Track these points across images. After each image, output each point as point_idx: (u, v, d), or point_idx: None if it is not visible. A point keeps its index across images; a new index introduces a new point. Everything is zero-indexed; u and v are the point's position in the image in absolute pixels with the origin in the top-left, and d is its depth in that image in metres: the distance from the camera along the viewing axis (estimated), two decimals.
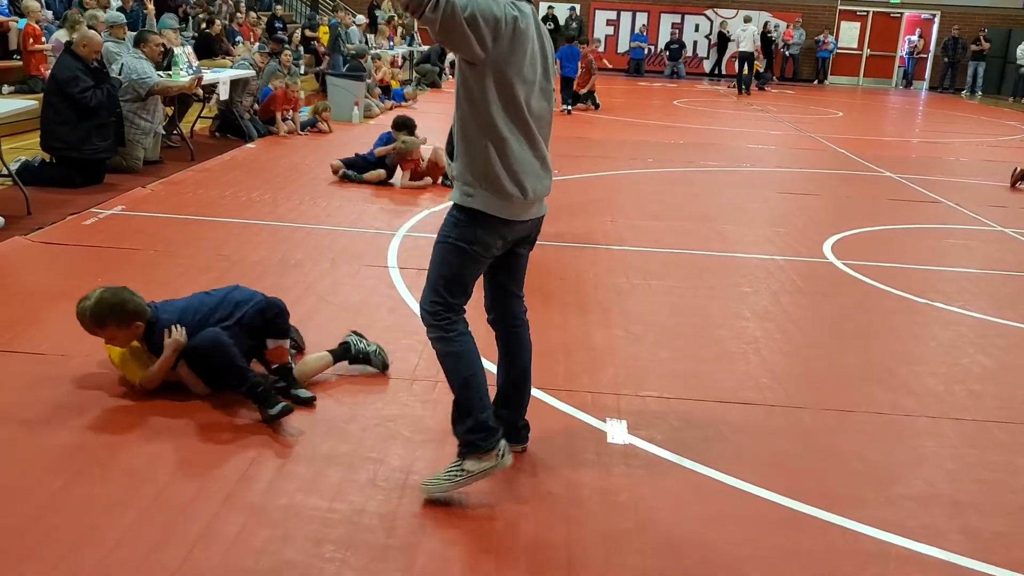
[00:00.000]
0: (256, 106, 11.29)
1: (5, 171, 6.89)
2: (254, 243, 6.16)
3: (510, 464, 3.11)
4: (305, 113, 11.88)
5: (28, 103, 7.32)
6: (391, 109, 14.46)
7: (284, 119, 11.16)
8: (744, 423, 3.90)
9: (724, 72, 27.15)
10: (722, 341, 4.86)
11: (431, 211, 7.49)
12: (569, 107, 15.51)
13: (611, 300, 5.43)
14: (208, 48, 15.06)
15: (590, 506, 3.16)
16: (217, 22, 16.36)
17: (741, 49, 21.29)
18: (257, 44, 13.85)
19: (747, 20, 22.17)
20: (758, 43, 22.15)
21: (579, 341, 4.73)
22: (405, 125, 8.76)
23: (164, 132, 9.21)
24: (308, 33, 18.66)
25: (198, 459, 3.30)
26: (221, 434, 3.50)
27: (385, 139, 8.74)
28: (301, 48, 17.18)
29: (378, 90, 14.62)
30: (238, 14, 18.22)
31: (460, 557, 2.82)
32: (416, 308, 4.99)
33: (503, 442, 3.07)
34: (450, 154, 2.96)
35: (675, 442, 3.64)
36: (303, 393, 3.76)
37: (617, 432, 3.70)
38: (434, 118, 13.92)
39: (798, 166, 11.42)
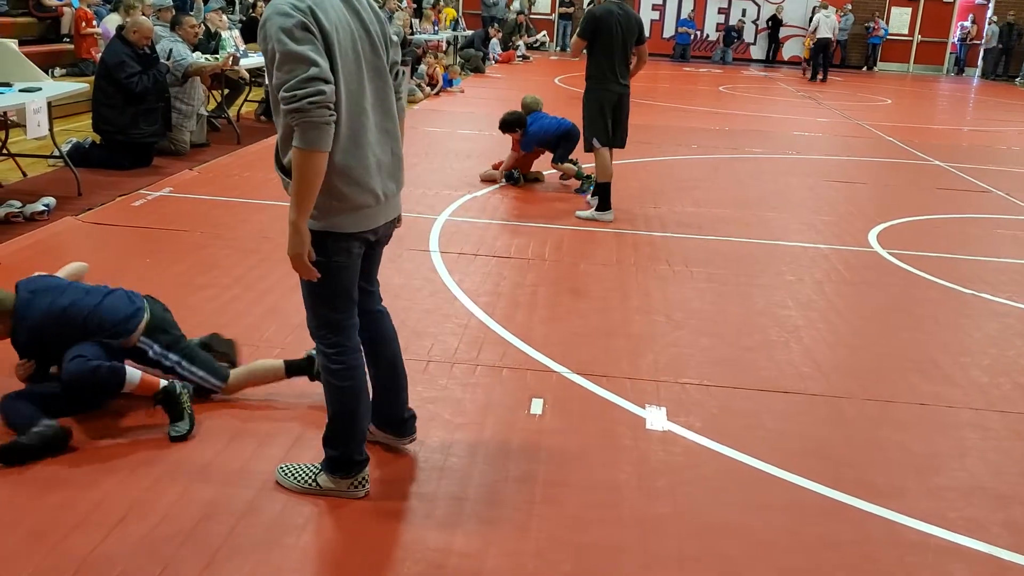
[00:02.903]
0: None
1: (57, 152, 7.04)
2: None
3: (362, 496, 2.98)
4: None
5: (80, 86, 7.45)
6: (437, 95, 14.50)
7: None
8: (785, 412, 3.88)
9: (777, 58, 26.74)
10: (764, 329, 4.83)
11: (473, 195, 7.50)
12: None
13: (652, 286, 5.41)
14: (255, 31, 15.17)
15: (628, 491, 3.16)
16: (261, 5, 16.47)
17: (819, 36, 20.90)
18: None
19: (823, 6, 21.74)
20: (836, 30, 21.66)
21: (619, 327, 4.72)
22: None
23: (209, 115, 9.32)
24: None
25: (242, 439, 3.36)
26: (257, 414, 3.55)
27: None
28: None
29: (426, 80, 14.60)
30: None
31: (498, 539, 2.85)
32: (457, 292, 5.05)
33: (364, 474, 2.97)
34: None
35: (715, 429, 3.63)
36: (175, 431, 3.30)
37: (656, 418, 3.70)
38: (484, 104, 13.95)
39: (845, 154, 11.26)
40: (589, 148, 6.88)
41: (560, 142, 7.89)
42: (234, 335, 4.18)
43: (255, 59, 10.03)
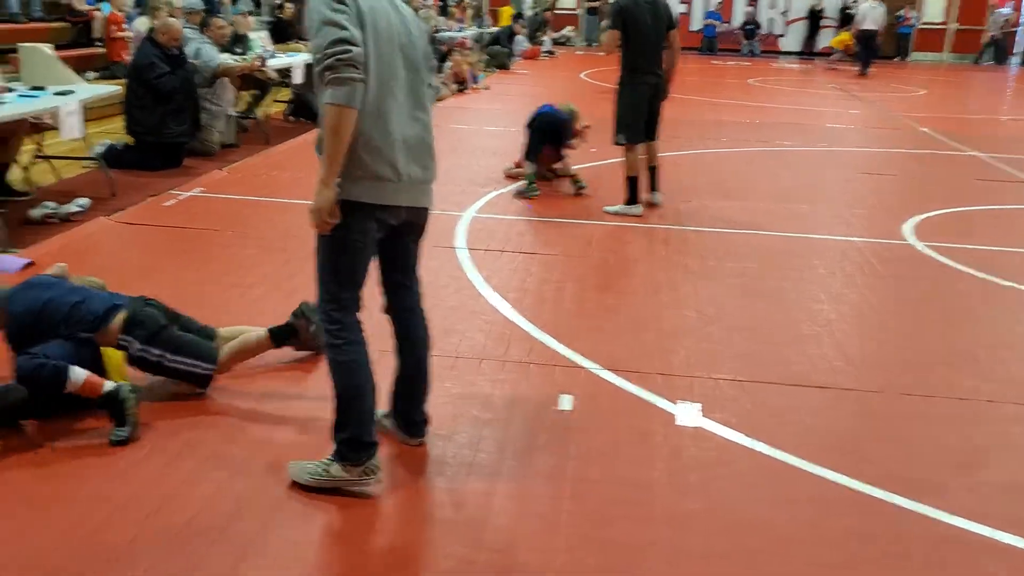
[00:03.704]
0: None
1: (91, 154, 7.12)
2: None
3: (375, 484, 2.95)
4: None
5: (112, 89, 7.54)
6: (463, 92, 14.50)
7: None
8: (818, 407, 3.82)
9: (814, 51, 26.42)
10: (796, 323, 4.77)
11: (499, 192, 7.49)
12: None
13: (683, 281, 5.36)
14: (282, 33, 15.27)
15: (658, 488, 3.13)
16: (288, 6, 16.58)
17: (865, 27, 20.52)
18: None
19: None
20: (883, 23, 21.17)
21: (649, 322, 4.68)
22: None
23: (238, 115, 9.38)
24: None
25: (274, 439, 3.37)
26: (289, 416, 3.56)
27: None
28: None
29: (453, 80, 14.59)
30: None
31: (527, 534, 2.83)
32: (484, 288, 5.04)
33: (375, 460, 2.94)
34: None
35: (747, 425, 3.59)
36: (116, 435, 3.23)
37: (688, 414, 3.66)
38: (510, 100, 13.94)
39: (878, 146, 11.11)
40: (616, 142, 6.82)
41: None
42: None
43: (283, 59, 10.08)
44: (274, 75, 9.91)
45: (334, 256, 2.83)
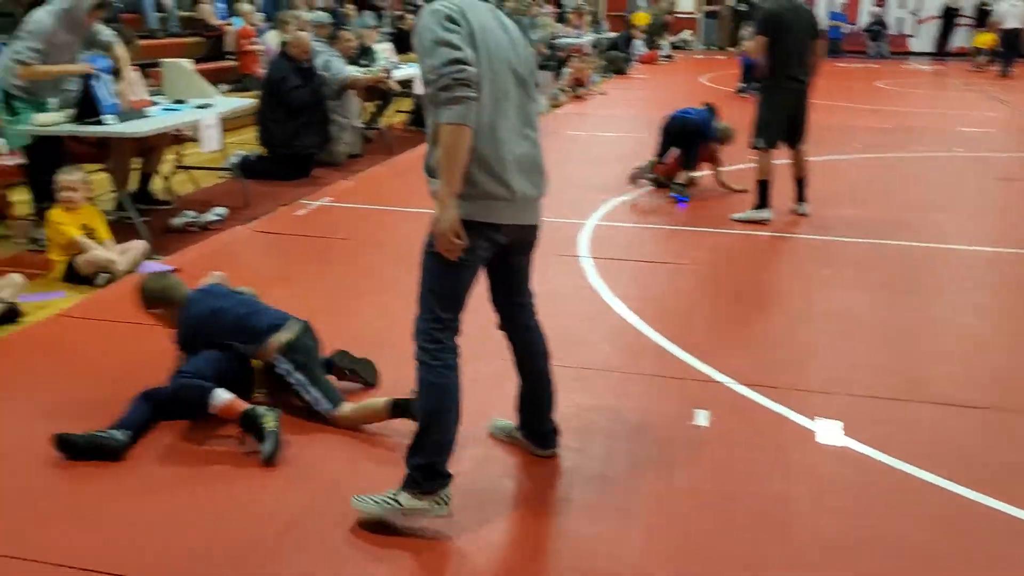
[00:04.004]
0: None
1: (227, 165, 7.41)
2: None
3: (447, 515, 2.82)
4: None
5: (248, 101, 7.82)
6: (580, 98, 14.48)
7: None
8: (964, 426, 3.63)
9: (948, 51, 25.31)
10: (938, 339, 4.55)
11: (622, 199, 7.42)
12: (746, 93, 15.14)
13: (817, 293, 5.20)
14: (403, 44, 15.57)
15: (799, 507, 3.03)
16: (409, 18, 16.88)
17: (1006, 26, 19.57)
18: None
19: None
20: None
21: (783, 336, 4.55)
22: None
23: (363, 126, 9.59)
24: None
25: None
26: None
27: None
28: None
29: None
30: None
31: (666, 552, 2.77)
32: (610, 298, 4.99)
33: (447, 491, 2.82)
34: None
35: (890, 444, 3.43)
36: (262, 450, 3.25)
37: (829, 432, 3.53)
38: (628, 105, 13.84)
39: (1018, 150, 10.54)
40: (753, 146, 6.69)
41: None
42: (393, 340, 4.26)
43: (405, 71, 10.26)
44: (396, 86, 10.10)
45: (440, 274, 2.76)
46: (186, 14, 12.92)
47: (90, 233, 5.16)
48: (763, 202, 6.69)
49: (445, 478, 2.82)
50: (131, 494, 2.99)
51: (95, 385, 3.76)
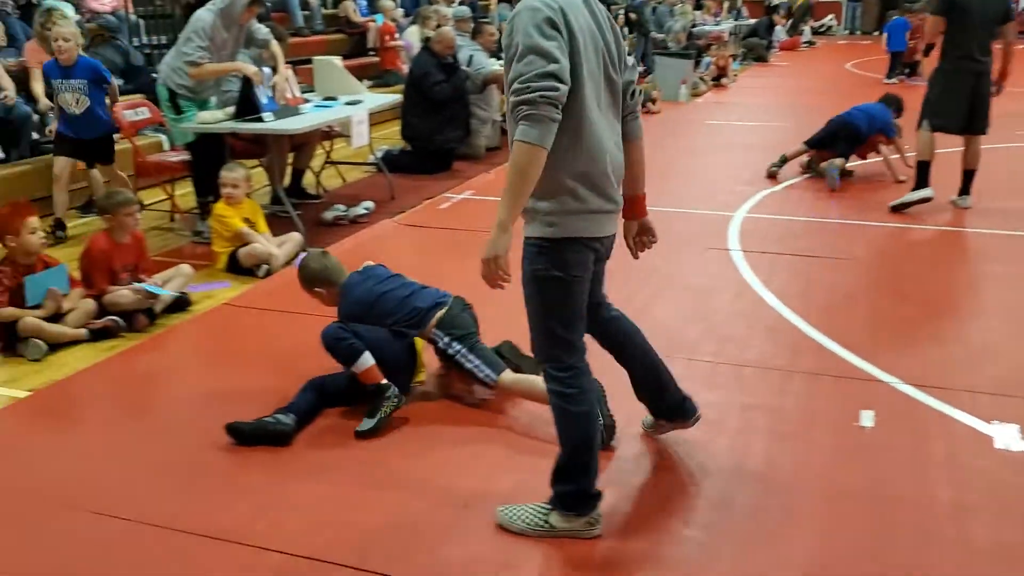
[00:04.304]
0: None
1: (372, 159, 7.58)
2: None
3: (597, 535, 2.74)
4: None
5: (394, 98, 7.96)
6: (721, 86, 14.19)
7: None
8: None
9: None
10: None
11: (771, 190, 7.21)
12: (891, 79, 14.52)
13: (986, 289, 4.92)
14: None
15: (977, 515, 2.86)
16: None
17: None
18: None
19: None
20: None
21: (952, 334, 4.33)
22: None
23: (502, 119, 9.65)
24: (632, 15, 18.74)
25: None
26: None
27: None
28: (626, 29, 17.31)
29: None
30: None
31: (833, 555, 2.66)
32: (765, 293, 4.85)
33: (598, 512, 2.74)
34: None
35: None
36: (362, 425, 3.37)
37: (1008, 437, 3.32)
38: (768, 93, 13.47)
39: None
40: (919, 127, 6.46)
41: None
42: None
43: None
44: None
45: (558, 298, 2.61)
46: (329, 12, 13.31)
47: (250, 226, 5.37)
48: (923, 182, 6.46)
49: (595, 499, 2.75)
50: (297, 475, 3.09)
51: (259, 371, 3.91)
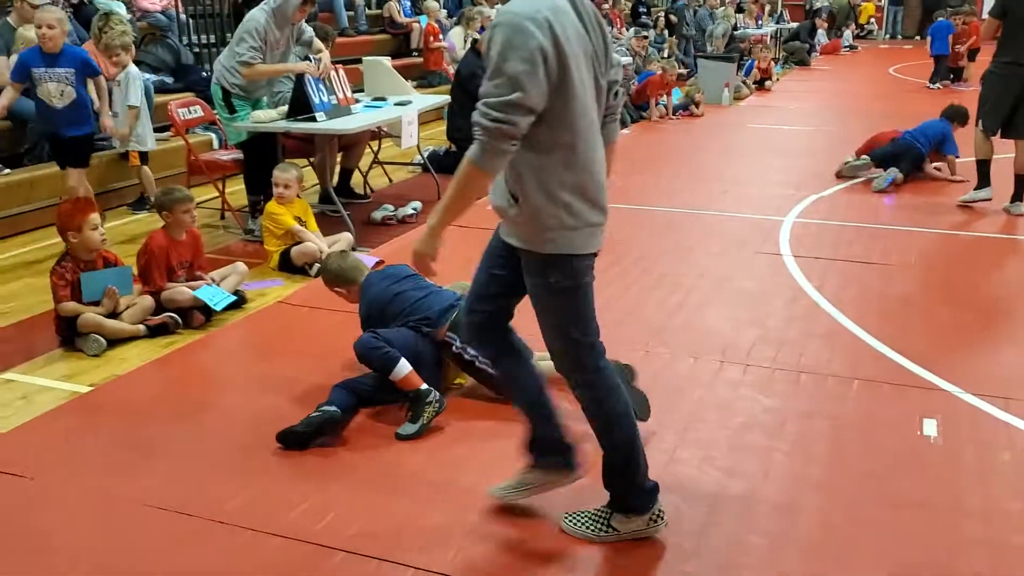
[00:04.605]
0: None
1: (419, 159, 7.60)
2: (645, 228, 6.25)
3: (662, 528, 2.71)
4: (677, 97, 11.92)
5: (443, 98, 7.96)
6: (766, 89, 14.11)
7: (657, 103, 11.24)
8: None
9: None
10: None
11: (819, 195, 7.15)
12: (935, 84, 14.37)
13: None
14: None
15: None
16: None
17: None
18: (632, 30, 14.08)
19: None
20: None
21: (1008, 341, 4.27)
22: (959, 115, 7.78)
23: None
24: (672, 17, 18.67)
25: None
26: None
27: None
28: (665, 32, 17.24)
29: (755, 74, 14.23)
30: (604, 4, 18.65)
31: (899, 565, 2.63)
32: (819, 299, 4.80)
33: (659, 505, 2.71)
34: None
35: None
36: (403, 429, 3.39)
37: None
38: (812, 97, 13.35)
39: None
40: (976, 127, 6.60)
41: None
42: None
43: None
44: None
45: (576, 306, 2.57)
46: (373, 12, 13.38)
47: (301, 225, 5.40)
48: (983, 182, 6.60)
49: (654, 492, 2.73)
50: (352, 475, 3.10)
51: (313, 368, 3.91)
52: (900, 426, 3.45)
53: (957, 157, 7.58)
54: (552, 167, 2.41)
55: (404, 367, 3.46)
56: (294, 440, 3.30)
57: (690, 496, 2.99)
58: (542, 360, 2.97)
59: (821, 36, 20.11)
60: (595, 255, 2.58)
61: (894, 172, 7.34)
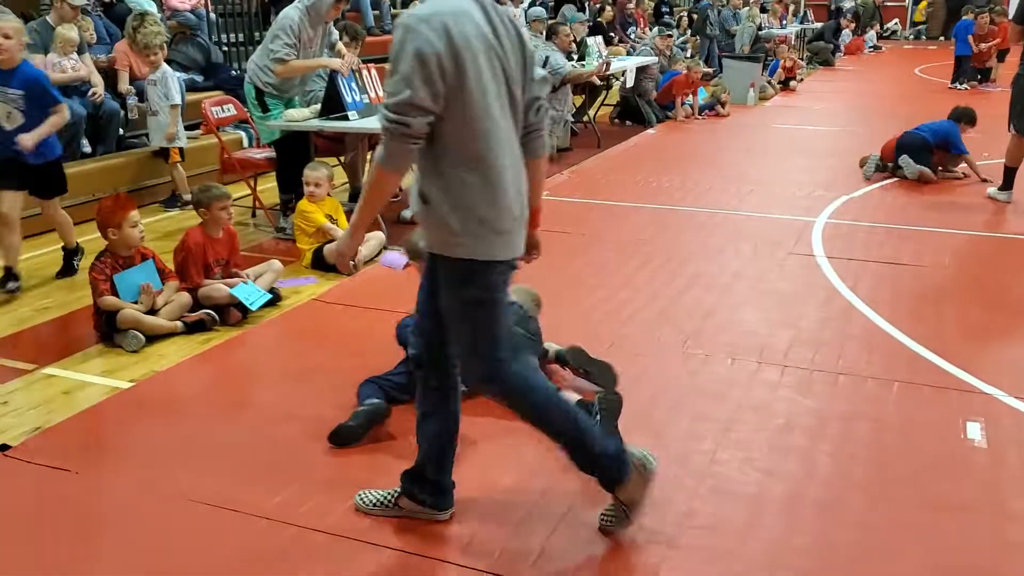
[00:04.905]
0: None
1: None
2: (673, 228, 6.23)
3: (655, 467, 2.68)
4: (703, 97, 11.89)
5: None
6: (791, 90, 14.06)
7: (683, 103, 11.22)
8: None
9: None
10: None
11: (849, 196, 7.11)
12: (963, 85, 14.26)
13: None
14: (601, 36, 15.51)
15: None
16: (609, 9, 16.82)
17: None
18: (656, 28, 14.05)
19: None
20: None
21: None
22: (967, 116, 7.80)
23: (572, 120, 9.65)
24: (694, 16, 18.59)
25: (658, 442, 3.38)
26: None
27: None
28: (688, 32, 17.17)
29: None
30: (628, 4, 18.59)
31: (941, 571, 2.61)
32: (854, 300, 4.78)
33: (633, 451, 2.66)
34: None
35: None
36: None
37: None
38: (838, 98, 13.28)
39: None
40: (1010, 130, 6.68)
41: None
42: (630, 337, 4.28)
43: (617, 64, 10.21)
44: (598, 80, 10.08)
45: (489, 320, 2.55)
46: (398, 12, 13.39)
47: (332, 223, 5.43)
48: (1007, 185, 6.74)
49: (624, 458, 2.66)
50: (393, 470, 3.11)
51: (349, 366, 3.91)
52: (942, 429, 3.43)
53: (968, 154, 7.61)
54: (457, 172, 2.43)
55: None
56: (347, 435, 3.30)
57: (732, 497, 2.98)
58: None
59: (846, 36, 20.00)
60: (510, 267, 2.56)
61: (907, 161, 7.52)
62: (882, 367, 3.96)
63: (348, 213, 5.94)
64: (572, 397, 3.28)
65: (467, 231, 2.45)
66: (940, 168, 7.72)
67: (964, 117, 7.71)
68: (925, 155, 7.58)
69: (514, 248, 2.55)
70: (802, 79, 15.06)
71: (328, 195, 5.57)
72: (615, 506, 2.73)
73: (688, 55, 13.02)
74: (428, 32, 2.33)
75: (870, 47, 21.19)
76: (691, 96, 11.34)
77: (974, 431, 3.40)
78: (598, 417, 3.12)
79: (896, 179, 7.68)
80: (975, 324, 4.50)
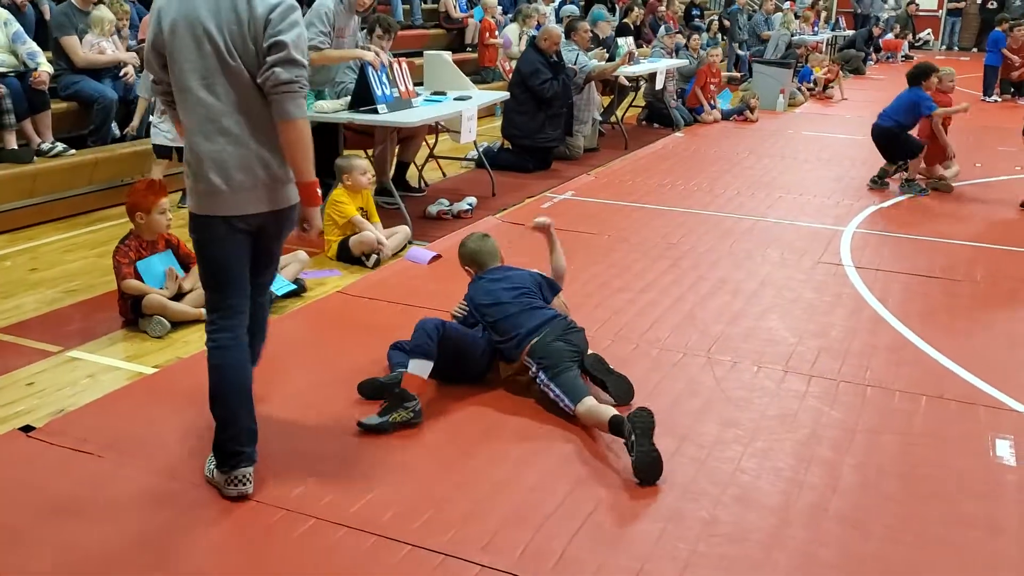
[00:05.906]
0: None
1: (473, 155, 7.59)
2: (699, 232, 6.18)
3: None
4: (729, 101, 11.81)
5: (502, 94, 7.95)
6: (825, 97, 13.97)
7: (712, 106, 11.17)
8: None
9: None
10: None
11: (878, 206, 7.04)
12: (995, 98, 14.09)
13: None
14: (632, 37, 15.44)
15: None
16: (636, 10, 16.74)
17: None
18: (663, 28, 14.02)
19: None
20: None
21: None
22: None
23: (600, 120, 9.61)
24: (725, 22, 18.49)
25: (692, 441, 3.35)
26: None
27: None
28: (719, 35, 17.06)
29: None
30: (659, 7, 18.51)
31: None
32: (882, 311, 4.74)
33: (244, 470, 2.90)
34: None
35: None
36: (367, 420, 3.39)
37: None
38: (869, 106, 13.14)
39: None
40: None
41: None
42: (656, 340, 4.25)
43: (643, 65, 10.15)
44: (625, 81, 10.03)
45: (205, 264, 2.94)
46: (428, 7, 13.39)
47: (364, 216, 5.42)
48: None
49: (243, 453, 2.90)
50: (416, 465, 3.10)
51: (373, 359, 3.92)
52: (971, 445, 3.38)
53: (936, 110, 7.50)
54: (187, 133, 2.84)
55: (423, 369, 3.46)
56: (370, 389, 3.53)
57: (757, 506, 2.95)
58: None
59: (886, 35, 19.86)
60: (227, 224, 2.82)
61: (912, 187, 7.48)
62: (910, 380, 3.91)
63: (378, 207, 5.94)
64: (608, 411, 3.29)
65: (193, 189, 2.88)
66: (930, 179, 7.70)
67: (921, 75, 7.55)
68: (899, 143, 7.53)
69: (221, 207, 2.82)
70: (834, 87, 14.94)
71: (367, 186, 5.54)
72: (211, 461, 2.99)
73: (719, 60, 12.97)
74: (156, 9, 2.85)
75: (902, 56, 20.98)
76: (713, 86, 11.32)
77: (1003, 448, 3.35)
78: (632, 437, 3.08)
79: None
80: (1006, 341, 4.43)
